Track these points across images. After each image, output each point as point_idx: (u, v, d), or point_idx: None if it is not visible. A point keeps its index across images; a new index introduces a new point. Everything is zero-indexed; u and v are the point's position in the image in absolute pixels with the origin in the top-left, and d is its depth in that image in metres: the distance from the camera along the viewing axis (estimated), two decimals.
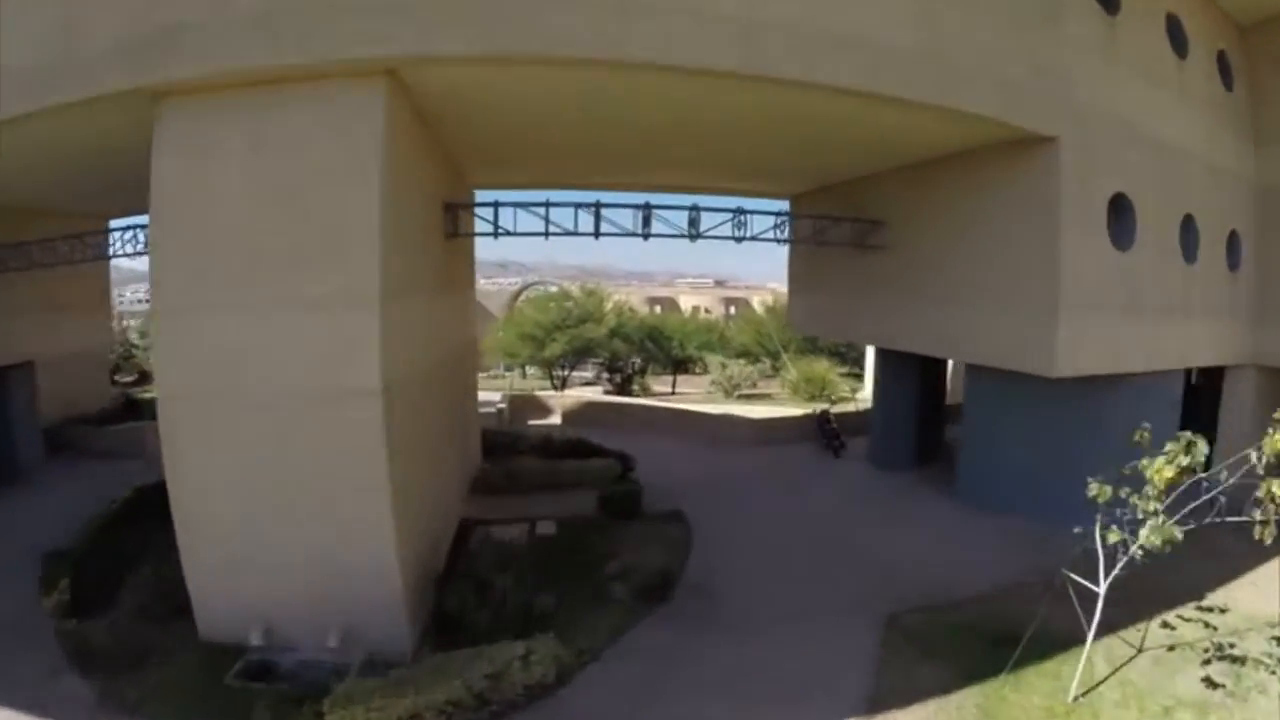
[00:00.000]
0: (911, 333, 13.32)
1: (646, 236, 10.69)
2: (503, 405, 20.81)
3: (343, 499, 7.46)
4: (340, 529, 7.57)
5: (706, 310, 65.54)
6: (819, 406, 20.46)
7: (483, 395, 23.87)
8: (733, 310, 68.03)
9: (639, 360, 36.22)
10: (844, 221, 12.97)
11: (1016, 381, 11.63)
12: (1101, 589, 7.09)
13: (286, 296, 7.06)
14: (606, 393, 33.91)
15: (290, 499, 7.53)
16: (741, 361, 33.87)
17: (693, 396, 32.73)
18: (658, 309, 56.59)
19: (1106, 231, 11.12)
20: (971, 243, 11.76)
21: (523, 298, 46.01)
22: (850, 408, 23.86)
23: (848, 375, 31.95)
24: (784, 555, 10.99)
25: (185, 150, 7.13)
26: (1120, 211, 11.40)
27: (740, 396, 30.88)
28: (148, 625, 8.22)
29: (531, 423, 20.48)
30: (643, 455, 15.27)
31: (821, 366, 29.87)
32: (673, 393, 35.74)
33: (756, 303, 58.40)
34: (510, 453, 15.38)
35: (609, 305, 36.03)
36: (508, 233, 10.17)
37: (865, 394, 28.92)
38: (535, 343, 31.95)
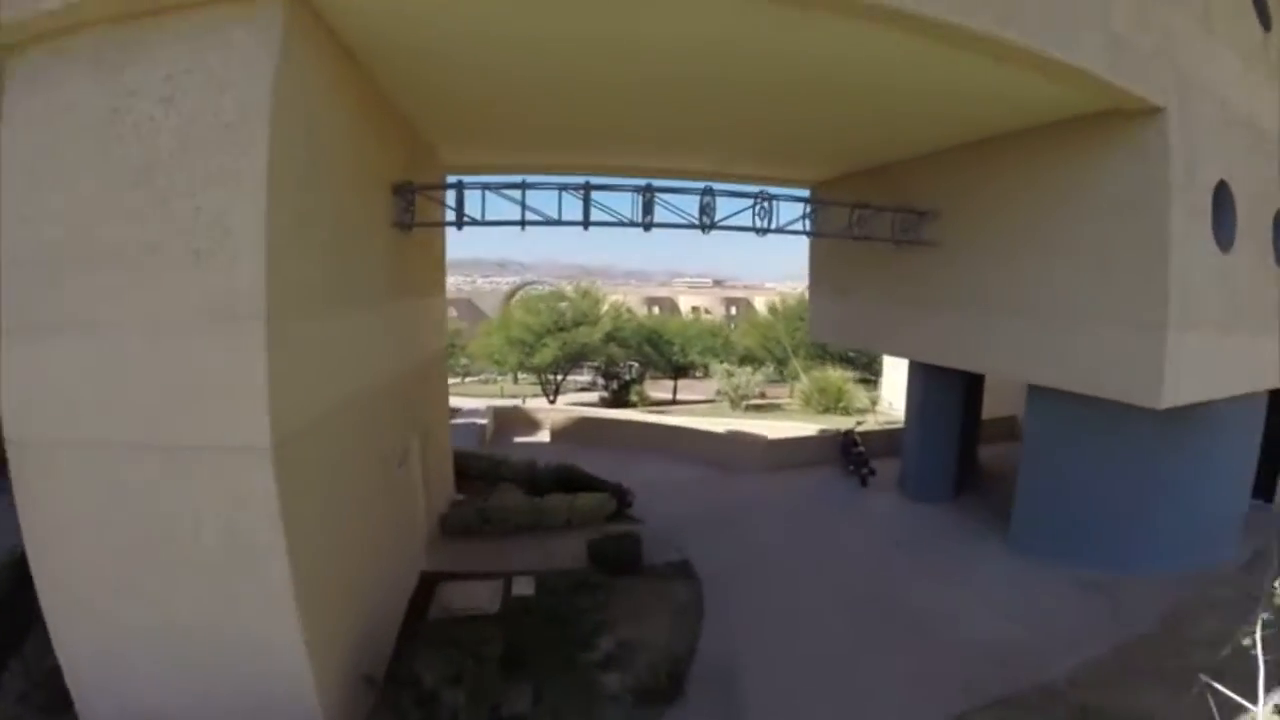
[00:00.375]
0: (966, 348, 11.15)
1: (648, 226, 8.53)
2: (485, 421, 18.71)
3: (234, 588, 5.39)
4: (235, 625, 5.51)
5: (707, 311, 63.95)
6: (844, 426, 18.34)
7: (468, 404, 21.86)
8: (733, 311, 66.34)
9: (637, 365, 34.25)
10: (885, 211, 10.84)
11: (1088, 406, 9.58)
12: (1261, 711, 5.21)
13: (145, 314, 4.95)
14: (602, 400, 31.87)
15: (169, 584, 5.47)
16: (749, 369, 31.76)
17: (696, 407, 30.62)
18: (655, 310, 54.91)
19: (1211, 229, 9.12)
20: (1046, 240, 9.63)
21: (517, 298, 44.07)
22: (870, 421, 21.85)
23: (859, 382, 29.89)
24: (817, 624, 8.92)
25: (32, 118, 5.07)
26: (1219, 205, 9.38)
27: (748, 408, 28.77)
28: (33, 716, 6.33)
29: (518, 440, 18.43)
30: (641, 483, 13.32)
31: (836, 375, 27.76)
32: (673, 401, 33.69)
33: (759, 303, 56.62)
34: (489, 480, 13.29)
35: (604, 307, 33.98)
36: (473, 221, 8.02)
37: (884, 404, 26.94)
38: (524, 348, 29.87)
